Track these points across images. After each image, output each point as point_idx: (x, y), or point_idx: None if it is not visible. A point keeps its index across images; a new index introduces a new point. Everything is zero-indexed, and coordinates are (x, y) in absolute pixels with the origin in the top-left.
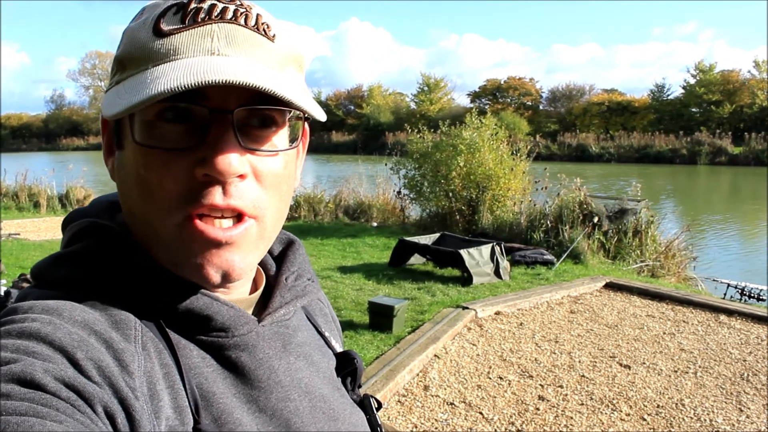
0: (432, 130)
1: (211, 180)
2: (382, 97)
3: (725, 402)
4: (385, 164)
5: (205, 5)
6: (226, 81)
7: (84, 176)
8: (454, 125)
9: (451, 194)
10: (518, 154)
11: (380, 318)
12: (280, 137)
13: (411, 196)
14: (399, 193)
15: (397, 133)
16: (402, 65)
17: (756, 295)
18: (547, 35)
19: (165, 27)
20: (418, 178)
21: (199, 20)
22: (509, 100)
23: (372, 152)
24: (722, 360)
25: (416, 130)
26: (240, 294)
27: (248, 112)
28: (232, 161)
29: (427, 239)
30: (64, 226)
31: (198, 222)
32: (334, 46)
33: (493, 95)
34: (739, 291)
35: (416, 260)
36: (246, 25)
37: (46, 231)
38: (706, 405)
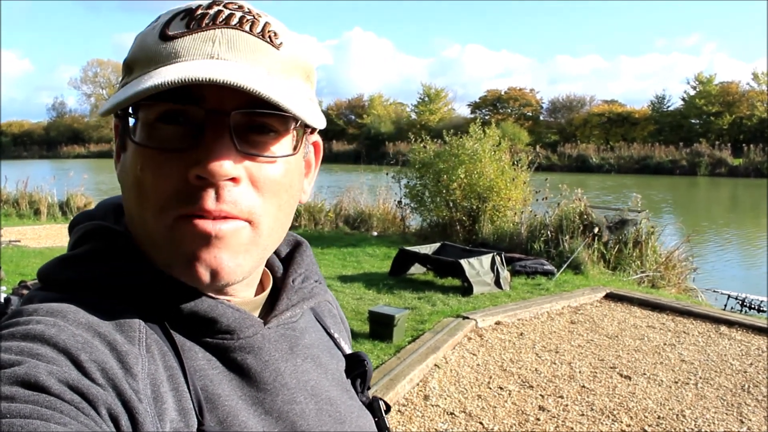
0: (434, 139)
1: (204, 183)
2: (383, 107)
3: (726, 413)
4: (386, 173)
5: (212, 11)
6: (211, 80)
7: (85, 184)
8: (457, 135)
9: (452, 204)
10: (519, 165)
11: (380, 327)
12: (280, 145)
13: (412, 205)
14: (400, 202)
15: (398, 142)
16: (405, 75)
17: (756, 307)
18: (550, 46)
19: (170, 32)
20: (419, 188)
21: (203, 25)
22: (509, 111)
23: (372, 161)
24: (723, 371)
25: (420, 140)
26: (245, 296)
27: (247, 117)
28: (224, 163)
29: (427, 249)
30: (71, 228)
31: (188, 219)
32: (336, 55)
33: (494, 106)
34: (740, 302)
35: (416, 270)
36: (251, 31)
37: (46, 238)
38: (707, 416)
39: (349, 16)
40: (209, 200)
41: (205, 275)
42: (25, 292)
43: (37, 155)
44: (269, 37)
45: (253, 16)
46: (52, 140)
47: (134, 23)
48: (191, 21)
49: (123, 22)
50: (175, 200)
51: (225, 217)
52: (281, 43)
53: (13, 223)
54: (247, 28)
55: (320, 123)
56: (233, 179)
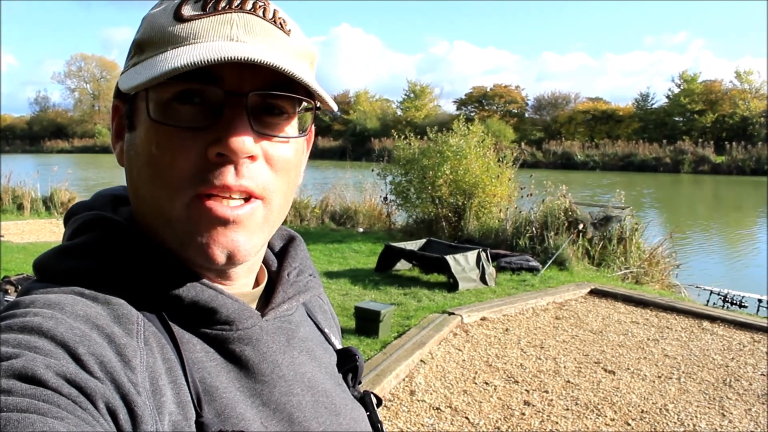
0: (419, 136)
1: (223, 160)
2: (369, 103)
3: (708, 407)
4: (372, 170)
5: None
6: (246, 58)
7: (68, 179)
8: (441, 132)
9: (437, 200)
10: (504, 161)
11: (366, 323)
12: (291, 126)
13: (398, 202)
14: (386, 199)
15: (384, 139)
16: (393, 71)
17: (738, 302)
18: (537, 43)
19: (186, 13)
20: (404, 184)
21: (220, 9)
22: (495, 108)
23: (358, 158)
24: (705, 366)
25: (403, 137)
26: (242, 288)
27: (261, 99)
28: (245, 141)
29: (413, 245)
30: (67, 219)
31: (207, 200)
32: (324, 51)
33: (479, 102)
34: (722, 298)
35: (402, 266)
36: (264, 17)
37: (29, 233)
38: (690, 410)
39: (337, 12)
40: (229, 176)
41: (221, 257)
42: (8, 287)
43: (20, 150)
44: (280, 23)
45: (263, 2)
46: (35, 135)
47: (125, 18)
48: (206, 4)
49: (113, 16)
50: (194, 178)
51: (244, 194)
52: (290, 30)
53: None
54: (260, 13)
55: (333, 105)
56: (251, 157)
